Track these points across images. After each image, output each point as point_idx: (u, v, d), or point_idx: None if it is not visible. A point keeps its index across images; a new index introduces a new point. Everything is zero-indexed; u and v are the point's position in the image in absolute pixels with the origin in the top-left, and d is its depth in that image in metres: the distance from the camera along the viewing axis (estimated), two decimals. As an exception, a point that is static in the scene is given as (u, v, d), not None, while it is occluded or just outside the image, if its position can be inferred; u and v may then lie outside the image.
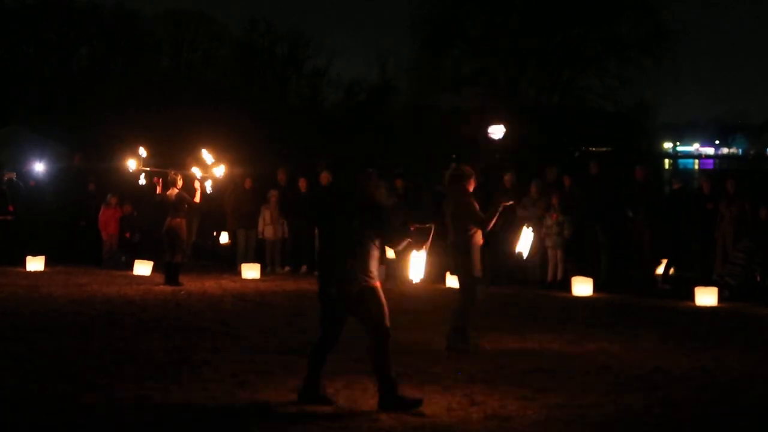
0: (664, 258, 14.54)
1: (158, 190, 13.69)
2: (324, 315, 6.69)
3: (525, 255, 9.12)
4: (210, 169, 13.77)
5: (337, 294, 6.50)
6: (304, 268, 15.84)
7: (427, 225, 6.73)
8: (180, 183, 13.57)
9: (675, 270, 14.64)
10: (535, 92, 36.91)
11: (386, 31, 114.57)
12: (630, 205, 14.53)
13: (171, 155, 17.51)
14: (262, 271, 15.28)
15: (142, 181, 13.81)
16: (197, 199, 13.70)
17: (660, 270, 14.42)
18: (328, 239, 6.70)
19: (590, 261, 14.55)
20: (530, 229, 9.10)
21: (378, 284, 6.60)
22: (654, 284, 14.17)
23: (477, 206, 8.86)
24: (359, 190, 6.63)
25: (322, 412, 6.46)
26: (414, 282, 7.15)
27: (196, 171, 13.71)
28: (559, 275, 14.30)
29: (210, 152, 13.83)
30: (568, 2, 35.64)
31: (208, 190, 13.89)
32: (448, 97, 36.99)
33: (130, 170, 13.68)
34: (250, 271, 15.03)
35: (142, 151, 13.71)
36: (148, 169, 13.60)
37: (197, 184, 13.66)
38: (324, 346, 6.70)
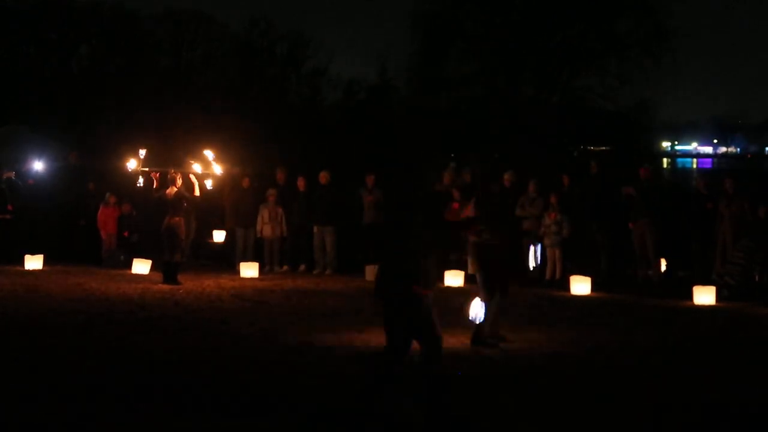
0: (664, 257, 14.54)
1: (155, 185, 13.66)
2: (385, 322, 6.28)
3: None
4: (210, 167, 13.76)
5: (389, 296, 6.18)
6: (302, 267, 15.85)
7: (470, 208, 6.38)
8: (179, 182, 13.57)
9: (673, 269, 14.64)
10: (534, 92, 36.92)
11: (386, 31, 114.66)
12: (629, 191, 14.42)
13: (170, 154, 17.50)
14: (261, 270, 15.27)
15: (140, 182, 13.79)
16: (197, 192, 13.66)
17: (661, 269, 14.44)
18: (385, 246, 6.42)
19: (589, 260, 14.55)
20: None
21: (430, 294, 6.22)
22: (653, 283, 14.16)
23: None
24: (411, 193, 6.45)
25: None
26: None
27: (196, 167, 13.70)
28: (558, 274, 14.30)
29: (210, 150, 13.82)
30: (568, 2, 35.64)
31: (209, 186, 13.87)
32: (447, 97, 37.01)
33: (129, 170, 13.66)
34: (249, 270, 15.02)
35: (142, 153, 13.71)
36: (146, 169, 13.58)
37: (194, 179, 13.63)
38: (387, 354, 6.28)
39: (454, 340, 9.19)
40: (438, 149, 29.02)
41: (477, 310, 8.54)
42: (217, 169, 13.74)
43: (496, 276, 9.22)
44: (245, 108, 38.09)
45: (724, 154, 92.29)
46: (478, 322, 8.72)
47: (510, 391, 7.04)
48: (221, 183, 15.01)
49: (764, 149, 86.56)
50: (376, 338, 9.14)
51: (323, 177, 15.96)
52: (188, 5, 69.49)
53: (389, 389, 6.16)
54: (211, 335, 9.46)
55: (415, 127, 33.91)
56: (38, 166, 18.25)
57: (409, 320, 6.15)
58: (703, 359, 8.52)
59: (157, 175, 13.62)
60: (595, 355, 8.66)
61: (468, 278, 13.40)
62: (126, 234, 16.51)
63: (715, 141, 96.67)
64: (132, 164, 13.71)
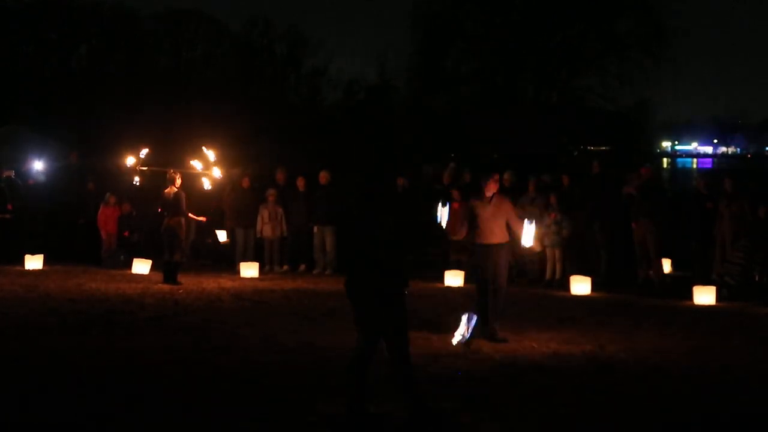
0: (664, 257, 14.53)
1: (159, 210, 13.84)
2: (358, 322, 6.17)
3: (532, 246, 9.50)
4: (210, 166, 13.78)
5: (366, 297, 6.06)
6: (302, 267, 15.85)
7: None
8: (179, 182, 13.57)
9: (673, 269, 14.62)
10: (534, 91, 36.98)
11: (386, 31, 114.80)
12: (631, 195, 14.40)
13: (170, 154, 17.50)
14: (261, 270, 15.27)
15: (137, 181, 13.80)
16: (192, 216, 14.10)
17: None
18: (356, 242, 6.26)
19: (589, 260, 14.53)
20: (532, 222, 9.43)
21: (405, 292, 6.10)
22: (653, 283, 14.15)
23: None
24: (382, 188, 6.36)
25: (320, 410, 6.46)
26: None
27: (196, 164, 13.71)
28: (558, 274, 14.29)
29: (211, 150, 13.84)
30: (568, 2, 35.71)
31: (207, 187, 13.91)
32: (446, 96, 37.09)
33: (127, 166, 13.67)
34: (249, 270, 15.02)
35: (143, 152, 13.73)
36: (144, 168, 13.58)
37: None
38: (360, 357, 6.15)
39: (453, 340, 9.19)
40: (437, 149, 29.07)
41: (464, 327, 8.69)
42: (217, 172, 13.76)
43: (484, 276, 9.39)
44: (245, 108, 38.13)
45: (724, 154, 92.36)
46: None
47: (510, 391, 7.04)
48: (221, 184, 15.03)
49: (764, 149, 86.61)
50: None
51: (323, 177, 15.96)
52: (188, 5, 69.45)
53: (365, 389, 6.15)
54: (211, 335, 9.45)
55: (415, 127, 33.98)
56: (38, 166, 18.26)
57: (386, 320, 6.08)
58: (703, 359, 8.52)
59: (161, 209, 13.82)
60: (595, 355, 8.65)
61: (468, 278, 13.41)
62: (126, 234, 16.51)
63: (715, 141, 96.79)
64: (129, 161, 13.70)
